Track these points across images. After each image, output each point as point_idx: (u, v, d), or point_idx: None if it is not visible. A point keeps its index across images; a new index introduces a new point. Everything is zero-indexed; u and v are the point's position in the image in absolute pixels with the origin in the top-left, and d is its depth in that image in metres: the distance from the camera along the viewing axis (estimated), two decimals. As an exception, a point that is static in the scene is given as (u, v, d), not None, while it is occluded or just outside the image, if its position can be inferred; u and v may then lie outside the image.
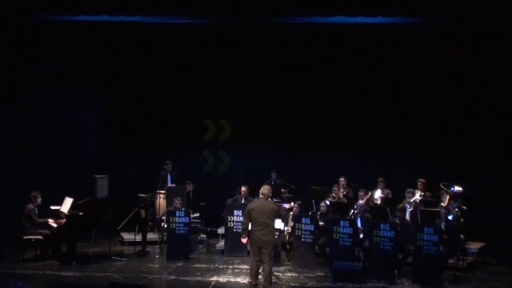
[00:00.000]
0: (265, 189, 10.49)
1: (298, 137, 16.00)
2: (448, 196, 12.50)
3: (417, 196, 13.11)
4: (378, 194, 13.92)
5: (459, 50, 14.35)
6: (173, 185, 14.97)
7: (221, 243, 13.89)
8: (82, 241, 13.81)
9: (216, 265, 12.55)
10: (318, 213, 12.92)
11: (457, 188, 12.51)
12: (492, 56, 13.75)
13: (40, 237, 12.55)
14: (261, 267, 10.38)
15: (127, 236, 14.14)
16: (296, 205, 13.30)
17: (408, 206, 12.80)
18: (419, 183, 13.42)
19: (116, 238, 14.38)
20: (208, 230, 14.80)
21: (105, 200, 13.50)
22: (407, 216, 12.64)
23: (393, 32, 14.62)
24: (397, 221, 12.04)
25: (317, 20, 13.55)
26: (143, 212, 13.45)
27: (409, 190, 13.15)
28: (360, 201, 12.94)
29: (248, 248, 10.85)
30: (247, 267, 12.34)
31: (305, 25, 14.53)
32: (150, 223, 13.98)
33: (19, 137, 13.95)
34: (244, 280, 11.41)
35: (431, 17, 13.05)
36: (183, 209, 13.24)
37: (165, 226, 13.14)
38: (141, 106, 16.20)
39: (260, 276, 10.47)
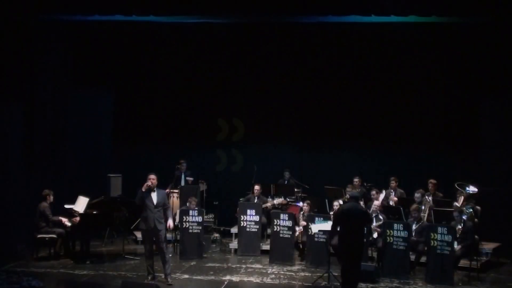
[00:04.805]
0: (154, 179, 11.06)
1: (312, 136, 15.98)
2: (462, 197, 12.45)
3: (427, 197, 13.11)
4: (391, 195, 13.86)
5: (472, 47, 14.29)
6: (190, 178, 14.97)
7: (234, 242, 13.90)
8: (96, 240, 13.88)
9: (229, 264, 12.57)
10: (331, 213, 12.90)
11: (472, 189, 12.45)
12: (506, 54, 13.67)
13: (54, 235, 12.62)
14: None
15: (140, 235, 14.17)
16: (305, 204, 13.29)
17: (422, 207, 12.79)
18: (430, 185, 13.38)
19: (130, 237, 14.45)
20: (221, 229, 14.86)
21: (118, 199, 13.56)
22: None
23: (407, 30, 14.56)
24: (412, 222, 12.03)
25: (331, 20, 13.52)
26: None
27: (418, 191, 13.16)
28: (376, 202, 12.89)
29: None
30: (260, 266, 12.42)
31: (319, 24, 14.49)
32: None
33: (33, 136, 14.03)
34: (257, 279, 11.44)
35: (444, 16, 12.98)
36: (196, 208, 13.26)
37: (179, 225, 13.17)
38: (155, 105, 16.29)
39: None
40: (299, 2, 12.91)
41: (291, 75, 15.92)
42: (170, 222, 11.15)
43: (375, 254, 12.47)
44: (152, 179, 10.98)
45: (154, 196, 10.94)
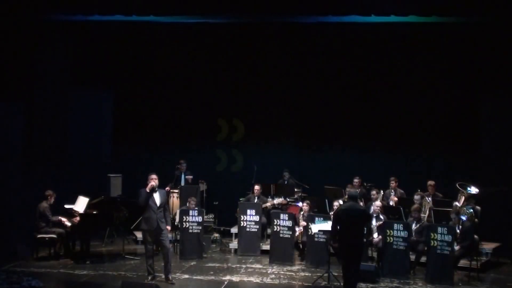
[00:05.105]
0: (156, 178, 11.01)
1: (312, 136, 15.97)
2: (463, 197, 12.44)
3: (426, 198, 13.12)
4: (391, 195, 13.85)
5: (472, 47, 14.28)
6: (190, 177, 14.96)
7: (234, 243, 13.90)
8: (96, 240, 13.89)
9: (229, 264, 12.58)
10: (331, 213, 12.89)
11: (474, 190, 12.45)
12: (506, 54, 13.67)
13: (54, 235, 12.62)
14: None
15: (140, 235, 14.17)
16: (305, 204, 13.29)
17: (422, 208, 12.80)
18: (429, 187, 13.40)
19: (130, 237, 14.44)
20: (221, 229, 14.86)
21: (118, 199, 13.57)
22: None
23: (406, 31, 14.54)
24: (412, 222, 12.03)
25: (331, 20, 13.53)
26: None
27: (417, 193, 13.16)
28: (377, 202, 12.89)
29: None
30: (260, 266, 12.42)
31: (319, 24, 14.48)
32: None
33: (33, 136, 14.03)
34: (257, 279, 11.44)
35: (444, 16, 12.98)
36: (196, 208, 13.26)
37: (179, 225, 13.17)
38: (155, 105, 16.29)
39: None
40: (299, 2, 12.91)
41: (291, 75, 15.90)
42: (168, 227, 11.19)
43: (375, 254, 12.47)
44: (155, 179, 10.97)
45: (156, 196, 10.93)
